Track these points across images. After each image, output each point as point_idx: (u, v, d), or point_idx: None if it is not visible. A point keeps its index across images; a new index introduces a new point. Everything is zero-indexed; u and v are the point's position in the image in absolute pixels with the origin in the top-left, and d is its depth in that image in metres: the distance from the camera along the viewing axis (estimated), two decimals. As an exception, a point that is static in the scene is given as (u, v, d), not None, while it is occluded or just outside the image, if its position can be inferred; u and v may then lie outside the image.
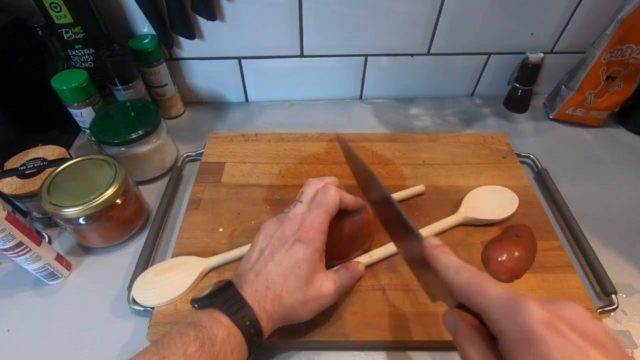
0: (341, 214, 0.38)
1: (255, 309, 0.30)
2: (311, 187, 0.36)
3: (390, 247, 0.42)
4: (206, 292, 0.31)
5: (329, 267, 0.39)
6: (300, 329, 0.36)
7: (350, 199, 0.37)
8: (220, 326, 0.28)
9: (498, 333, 0.22)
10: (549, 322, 0.19)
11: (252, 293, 0.31)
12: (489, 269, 0.40)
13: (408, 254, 0.32)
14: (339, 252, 0.39)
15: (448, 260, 0.26)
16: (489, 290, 0.22)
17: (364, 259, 0.41)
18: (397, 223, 0.32)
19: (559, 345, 0.19)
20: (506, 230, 0.44)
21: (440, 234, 0.44)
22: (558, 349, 0.19)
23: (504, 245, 0.41)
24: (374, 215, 0.40)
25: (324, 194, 0.34)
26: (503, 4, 0.55)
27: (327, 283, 0.33)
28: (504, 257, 0.40)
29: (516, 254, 0.40)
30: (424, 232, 0.42)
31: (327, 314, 0.37)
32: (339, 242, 0.38)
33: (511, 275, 0.40)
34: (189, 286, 0.39)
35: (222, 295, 0.30)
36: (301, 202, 0.35)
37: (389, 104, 0.67)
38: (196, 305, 0.31)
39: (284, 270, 0.32)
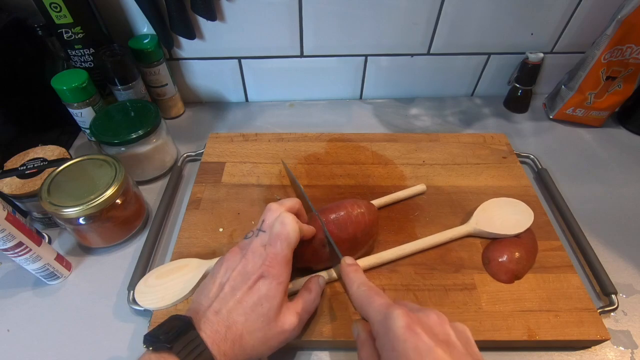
0: (343, 216, 0.38)
1: (214, 354, 0.28)
2: (273, 215, 0.34)
3: (377, 258, 0.41)
4: (161, 330, 0.29)
5: (326, 268, 0.40)
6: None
7: (306, 229, 0.35)
8: None
9: (375, 335, 0.27)
10: (408, 326, 0.25)
11: (212, 335, 0.29)
12: (489, 269, 0.40)
13: (338, 273, 0.38)
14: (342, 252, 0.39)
15: (355, 277, 0.31)
16: (374, 301, 0.28)
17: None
18: (329, 245, 0.37)
19: (413, 344, 0.24)
20: None
21: (447, 243, 0.43)
22: (412, 347, 0.24)
23: (505, 246, 0.41)
24: (376, 217, 0.41)
25: (282, 225, 0.33)
26: (503, 4, 0.55)
27: (290, 318, 0.32)
28: (505, 257, 0.40)
29: (517, 254, 0.40)
30: (432, 239, 0.43)
31: (328, 314, 0.37)
32: (341, 243, 0.38)
33: (511, 275, 0.40)
34: (192, 288, 0.39)
35: (181, 339, 0.28)
36: (264, 231, 0.34)
37: (389, 104, 0.67)
38: (151, 348, 0.28)
39: (245, 309, 0.30)
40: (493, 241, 0.43)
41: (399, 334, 0.24)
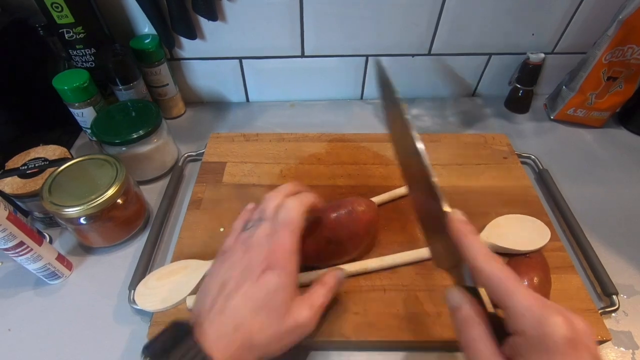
0: (344, 214, 0.38)
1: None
2: (273, 202, 0.32)
3: (387, 260, 0.41)
4: (159, 339, 0.27)
5: (331, 266, 0.39)
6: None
7: (316, 201, 0.34)
8: None
9: (518, 331, 0.23)
10: (571, 340, 0.21)
11: (216, 340, 0.26)
12: None
13: (425, 214, 0.31)
14: (341, 251, 0.39)
15: (478, 245, 0.25)
16: (520, 293, 0.23)
17: (355, 267, 0.40)
18: (423, 182, 0.31)
19: None
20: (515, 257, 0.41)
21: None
22: None
23: (521, 273, 0.39)
24: (376, 214, 0.41)
25: (285, 210, 0.31)
26: (504, 5, 0.55)
27: (303, 311, 0.29)
28: (526, 284, 0.37)
29: (536, 279, 0.38)
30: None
31: (328, 314, 0.37)
32: (343, 241, 0.38)
33: None
34: (193, 289, 0.39)
35: (179, 348, 0.25)
36: (264, 220, 0.31)
37: (389, 104, 0.67)
38: (148, 358, 0.26)
39: (254, 304, 0.27)
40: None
41: (561, 346, 0.21)
